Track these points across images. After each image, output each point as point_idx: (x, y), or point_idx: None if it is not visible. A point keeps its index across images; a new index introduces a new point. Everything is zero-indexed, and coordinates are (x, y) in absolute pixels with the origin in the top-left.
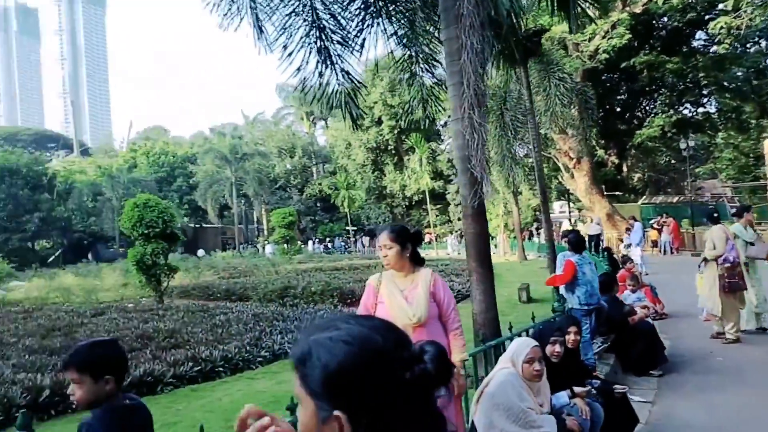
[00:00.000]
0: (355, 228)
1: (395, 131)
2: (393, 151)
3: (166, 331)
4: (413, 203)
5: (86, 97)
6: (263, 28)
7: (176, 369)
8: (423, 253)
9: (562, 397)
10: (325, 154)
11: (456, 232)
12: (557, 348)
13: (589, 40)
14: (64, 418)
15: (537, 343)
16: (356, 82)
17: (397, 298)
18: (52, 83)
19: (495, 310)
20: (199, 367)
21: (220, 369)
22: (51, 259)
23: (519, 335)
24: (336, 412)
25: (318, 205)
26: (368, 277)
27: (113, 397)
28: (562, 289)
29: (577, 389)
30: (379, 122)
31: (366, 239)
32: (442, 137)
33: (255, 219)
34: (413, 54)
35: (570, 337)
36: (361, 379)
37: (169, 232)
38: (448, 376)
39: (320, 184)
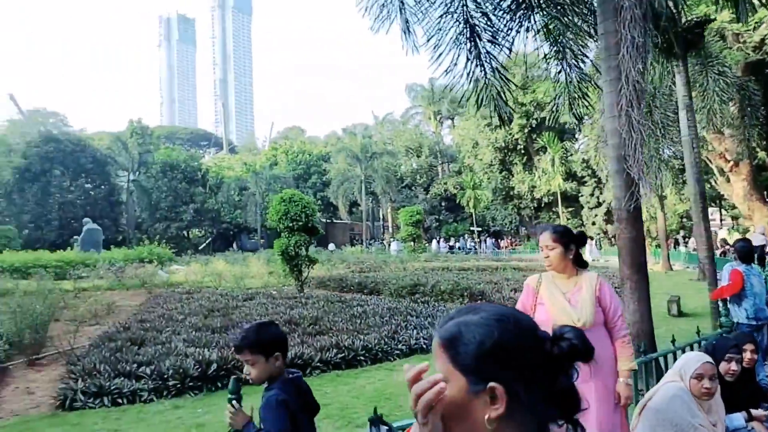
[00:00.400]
0: (480, 229)
1: (525, 130)
2: (522, 151)
3: (310, 318)
4: (543, 205)
5: (233, 99)
6: (411, 30)
7: (323, 354)
8: None
9: (738, 419)
10: (451, 154)
11: (596, 236)
12: (733, 366)
13: (754, 29)
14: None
15: (710, 359)
16: (507, 80)
17: (559, 299)
18: (203, 87)
19: (650, 321)
20: (343, 354)
21: (362, 358)
22: (202, 246)
23: (683, 350)
24: (492, 384)
25: (442, 204)
26: (496, 279)
27: (282, 372)
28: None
29: (755, 412)
30: (509, 120)
31: (491, 240)
32: (576, 136)
33: (381, 216)
34: (560, 50)
35: (746, 356)
36: (515, 352)
37: (310, 225)
38: (591, 354)
39: (446, 183)
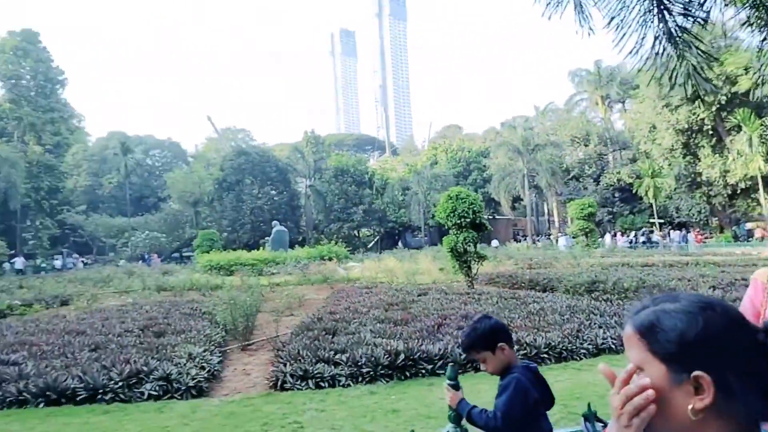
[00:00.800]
0: (662, 220)
1: (713, 108)
2: (710, 132)
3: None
4: (738, 192)
5: (392, 103)
6: (587, 13)
7: None
8: (755, 251)
9: None
10: (623, 140)
11: None
12: None
13: None
14: (416, 380)
15: None
16: (703, 53)
17: None
18: (364, 94)
19: None
20: (525, 352)
21: (545, 355)
22: (371, 244)
23: None
24: (697, 373)
25: (615, 195)
26: (689, 275)
27: (514, 360)
28: None
29: None
30: (693, 99)
31: (679, 233)
32: None
33: (546, 211)
34: (764, 14)
35: None
36: (722, 341)
37: (478, 222)
38: None
39: (618, 172)
